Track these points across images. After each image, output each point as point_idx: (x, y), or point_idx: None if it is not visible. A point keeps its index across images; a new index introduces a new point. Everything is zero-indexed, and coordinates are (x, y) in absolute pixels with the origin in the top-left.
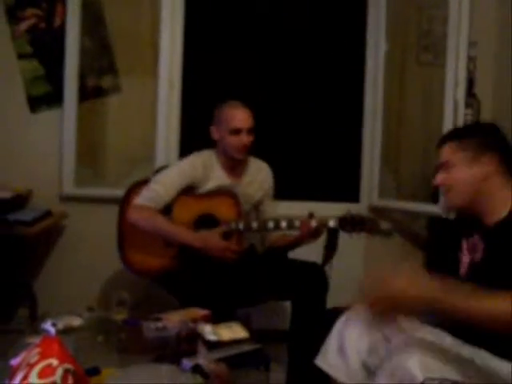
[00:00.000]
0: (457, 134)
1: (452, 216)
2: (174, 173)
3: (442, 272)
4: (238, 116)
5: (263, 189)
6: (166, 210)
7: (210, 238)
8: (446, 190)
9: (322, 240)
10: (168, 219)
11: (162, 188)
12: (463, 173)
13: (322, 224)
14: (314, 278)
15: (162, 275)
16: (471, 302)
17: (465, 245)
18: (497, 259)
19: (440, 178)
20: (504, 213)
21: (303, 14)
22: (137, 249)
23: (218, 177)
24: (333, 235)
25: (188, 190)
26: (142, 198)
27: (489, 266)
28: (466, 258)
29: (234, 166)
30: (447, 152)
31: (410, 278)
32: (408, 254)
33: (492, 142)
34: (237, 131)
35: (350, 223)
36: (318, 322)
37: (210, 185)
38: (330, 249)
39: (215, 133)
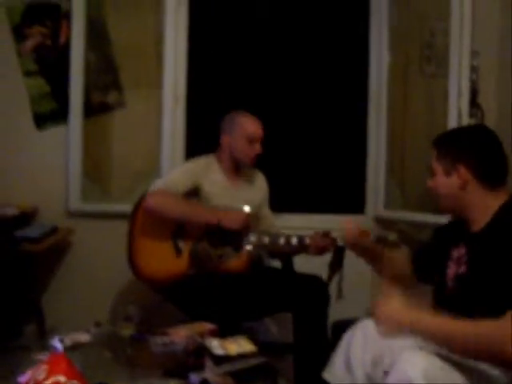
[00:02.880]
0: (440, 141)
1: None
2: (178, 170)
3: (429, 280)
4: (255, 125)
5: (261, 194)
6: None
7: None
8: (435, 195)
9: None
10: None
11: (171, 180)
12: (442, 181)
13: (332, 243)
14: (315, 290)
15: (172, 286)
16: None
17: (455, 254)
18: (479, 272)
19: (428, 182)
20: (485, 221)
21: (306, 27)
22: (147, 259)
23: (217, 180)
24: (339, 253)
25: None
26: (156, 185)
27: (473, 279)
28: (452, 270)
29: (235, 172)
30: (432, 158)
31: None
32: None
33: (471, 151)
34: (252, 140)
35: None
36: (320, 334)
37: (210, 187)
38: (336, 266)
39: (226, 140)
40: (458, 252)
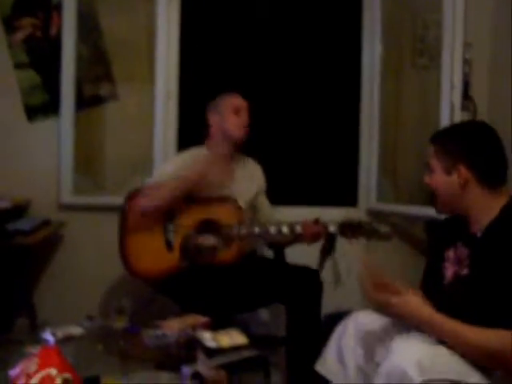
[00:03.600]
0: (439, 138)
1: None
2: (169, 164)
3: (426, 281)
4: (238, 97)
5: (257, 184)
6: (170, 216)
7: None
8: (434, 192)
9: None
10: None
11: (161, 175)
12: (442, 179)
13: (323, 229)
14: (308, 281)
15: (164, 280)
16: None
17: (451, 254)
18: (483, 275)
19: (426, 178)
20: (487, 222)
21: (298, 20)
22: (139, 255)
23: None
24: (330, 240)
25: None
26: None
27: (475, 282)
28: (450, 271)
29: (227, 160)
30: (430, 154)
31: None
32: (407, 257)
33: (473, 150)
34: (239, 110)
35: (349, 229)
36: (313, 326)
37: None
38: (327, 253)
39: (215, 120)
40: (456, 252)
